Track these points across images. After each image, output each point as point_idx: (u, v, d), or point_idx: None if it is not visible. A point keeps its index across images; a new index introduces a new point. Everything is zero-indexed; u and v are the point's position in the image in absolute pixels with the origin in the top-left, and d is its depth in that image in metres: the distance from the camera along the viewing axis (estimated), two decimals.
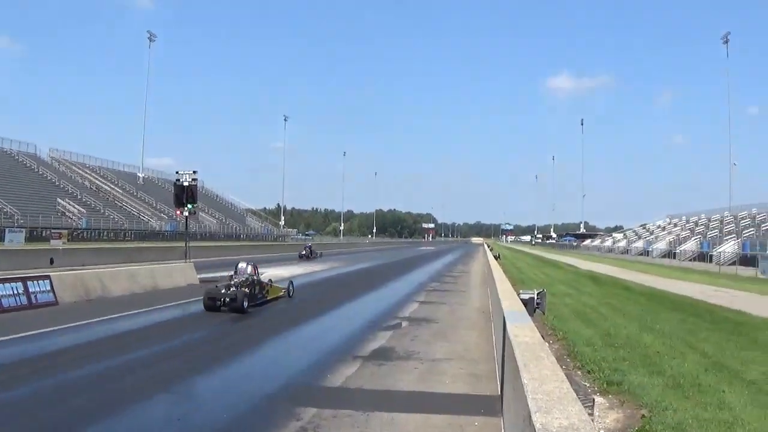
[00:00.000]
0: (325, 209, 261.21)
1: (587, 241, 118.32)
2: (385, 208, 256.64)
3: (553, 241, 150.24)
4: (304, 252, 49.46)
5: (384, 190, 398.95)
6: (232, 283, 16.77)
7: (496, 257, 42.85)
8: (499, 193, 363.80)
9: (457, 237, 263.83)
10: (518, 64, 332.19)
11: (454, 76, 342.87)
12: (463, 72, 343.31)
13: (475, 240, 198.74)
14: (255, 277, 17.88)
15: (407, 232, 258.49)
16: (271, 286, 19.28)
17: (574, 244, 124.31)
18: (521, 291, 14.00)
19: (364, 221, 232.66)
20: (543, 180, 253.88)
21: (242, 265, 17.95)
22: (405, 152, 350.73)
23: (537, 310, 13.02)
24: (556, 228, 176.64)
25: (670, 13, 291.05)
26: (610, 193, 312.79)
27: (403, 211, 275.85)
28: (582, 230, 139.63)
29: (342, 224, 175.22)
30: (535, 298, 13.41)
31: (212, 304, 16.01)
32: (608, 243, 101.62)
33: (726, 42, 79.40)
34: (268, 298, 18.56)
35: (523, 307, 10.13)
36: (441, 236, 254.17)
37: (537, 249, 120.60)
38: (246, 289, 16.66)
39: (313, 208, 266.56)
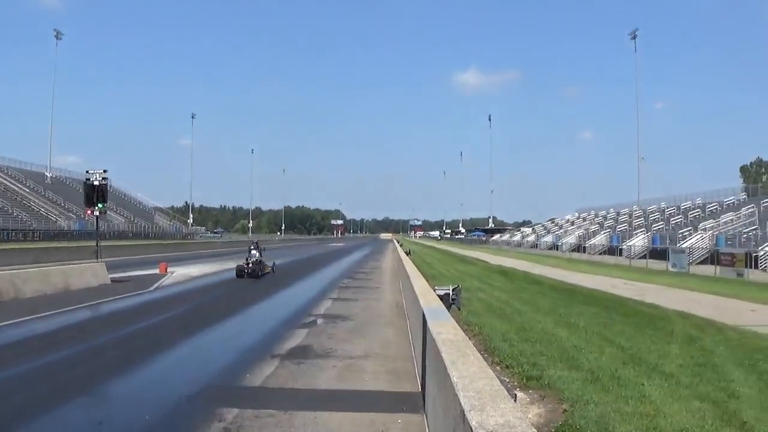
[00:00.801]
0: (233, 207, 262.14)
1: (496, 236, 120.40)
2: (294, 205, 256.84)
3: (462, 237, 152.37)
4: (252, 247, 53.84)
5: (292, 186, 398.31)
6: (250, 261, 27.38)
7: (407, 253, 43.21)
8: (408, 189, 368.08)
9: (365, 233, 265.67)
10: (427, 60, 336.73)
11: (363, 72, 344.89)
12: (372, 68, 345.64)
13: (384, 236, 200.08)
14: (261, 259, 28.28)
15: (316, 228, 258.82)
16: (265, 265, 28.85)
17: (483, 239, 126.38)
18: (436, 287, 14.17)
19: (273, 218, 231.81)
20: (451, 176, 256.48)
21: (254, 251, 28.38)
22: (313, 149, 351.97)
23: (452, 305, 13.22)
24: (465, 223, 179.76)
25: (576, 8, 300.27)
26: (519, 189, 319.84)
27: (312, 208, 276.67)
28: (491, 225, 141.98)
29: (250, 221, 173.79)
30: (451, 293, 13.64)
31: (241, 274, 26.89)
32: (517, 238, 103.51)
33: (634, 38, 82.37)
34: (265, 272, 28.41)
35: (442, 304, 10.25)
36: (350, 232, 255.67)
37: (446, 244, 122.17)
38: (258, 265, 27.50)
39: (221, 206, 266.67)
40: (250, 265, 27.18)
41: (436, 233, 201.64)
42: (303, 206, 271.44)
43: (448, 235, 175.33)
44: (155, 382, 9.16)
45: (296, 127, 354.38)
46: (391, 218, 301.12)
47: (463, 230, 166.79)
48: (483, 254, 64.36)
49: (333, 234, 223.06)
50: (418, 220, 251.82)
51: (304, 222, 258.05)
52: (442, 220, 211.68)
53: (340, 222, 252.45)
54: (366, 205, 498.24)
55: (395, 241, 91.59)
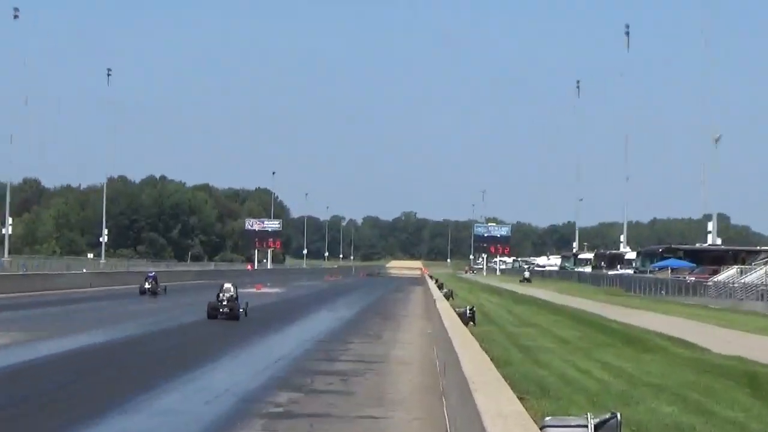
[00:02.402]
0: None
1: (731, 272, 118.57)
2: (139, 177, 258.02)
3: (631, 271, 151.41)
4: (148, 286, 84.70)
5: (144, 130, 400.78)
6: (225, 298, 60.26)
7: (467, 316, 43.50)
8: (469, 148, 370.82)
9: (352, 259, 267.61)
10: None
11: None
12: None
13: (398, 267, 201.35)
14: (235, 295, 61.44)
15: (202, 238, 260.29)
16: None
17: (690, 277, 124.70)
18: (549, 417, 14.09)
19: (77, 210, 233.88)
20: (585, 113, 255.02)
21: (228, 285, 62.26)
22: (203, 44, 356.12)
23: None
24: (636, 231, 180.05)
25: None
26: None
27: (190, 185, 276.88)
28: (713, 240, 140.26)
29: (9, 221, 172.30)
30: None
31: (214, 314, 60.05)
32: None
33: None
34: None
35: None
36: (303, 254, 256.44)
37: (571, 289, 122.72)
38: (234, 302, 62.00)
39: None
40: (225, 303, 51.34)
41: (554, 261, 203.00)
42: (166, 178, 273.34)
43: (589, 266, 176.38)
44: None
45: None
46: (423, 218, 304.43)
47: (630, 254, 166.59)
48: (688, 322, 64.37)
49: (249, 262, 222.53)
50: (497, 225, 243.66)
51: (167, 224, 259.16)
52: (570, 224, 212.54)
53: (272, 226, 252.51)
54: (357, 187, 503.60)
55: (431, 284, 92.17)
